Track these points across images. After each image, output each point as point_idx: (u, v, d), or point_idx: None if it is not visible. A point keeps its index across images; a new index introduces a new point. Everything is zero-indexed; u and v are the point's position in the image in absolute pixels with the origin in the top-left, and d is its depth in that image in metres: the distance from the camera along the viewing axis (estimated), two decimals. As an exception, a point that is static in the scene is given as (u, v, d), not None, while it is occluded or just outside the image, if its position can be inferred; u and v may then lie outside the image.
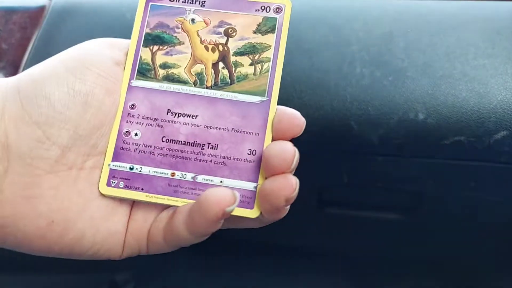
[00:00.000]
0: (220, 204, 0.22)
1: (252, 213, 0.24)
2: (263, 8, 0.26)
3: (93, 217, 0.24)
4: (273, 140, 0.24)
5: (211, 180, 0.24)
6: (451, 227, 0.42)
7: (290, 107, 0.24)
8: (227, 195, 0.22)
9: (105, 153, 0.25)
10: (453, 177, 0.38)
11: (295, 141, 0.23)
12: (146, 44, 0.26)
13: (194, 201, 0.23)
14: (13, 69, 0.42)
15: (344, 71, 0.37)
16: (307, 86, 0.37)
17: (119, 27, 0.42)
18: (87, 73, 0.24)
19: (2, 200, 0.22)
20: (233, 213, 0.23)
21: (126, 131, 0.25)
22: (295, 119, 0.24)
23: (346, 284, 0.50)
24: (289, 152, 0.23)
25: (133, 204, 0.25)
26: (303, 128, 0.24)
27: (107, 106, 0.24)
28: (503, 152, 0.36)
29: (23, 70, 0.41)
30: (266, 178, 0.23)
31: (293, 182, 0.22)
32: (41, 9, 0.45)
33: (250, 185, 0.24)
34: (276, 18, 0.26)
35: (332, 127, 0.36)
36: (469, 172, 0.37)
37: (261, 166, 0.24)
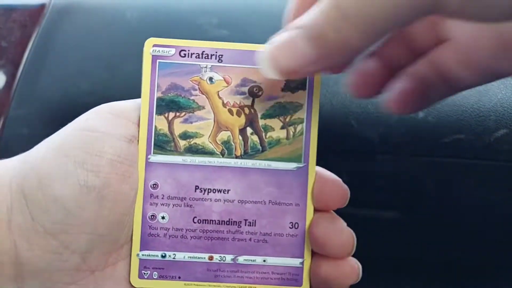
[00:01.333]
0: None
1: None
2: None
3: None
4: (315, 210, 0.22)
5: (254, 260, 0.22)
6: (451, 226, 0.42)
7: None
8: None
9: (131, 243, 0.22)
10: (452, 175, 0.38)
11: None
12: (160, 112, 0.22)
13: (239, 285, 0.22)
14: (13, 67, 0.42)
15: (344, 69, 0.37)
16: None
17: (119, 26, 0.42)
18: (99, 163, 0.20)
19: None
20: None
21: (152, 215, 0.22)
22: (339, 189, 0.22)
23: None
24: (348, 236, 0.21)
25: None
26: (348, 199, 0.22)
27: (125, 194, 0.21)
28: (503, 150, 0.36)
29: (23, 68, 0.41)
30: (314, 253, 0.22)
31: (357, 268, 0.21)
32: (41, 7, 0.45)
33: (295, 262, 0.22)
34: None
35: (331, 125, 0.36)
36: (469, 170, 0.37)
37: (306, 240, 0.22)
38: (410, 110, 0.21)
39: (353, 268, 0.21)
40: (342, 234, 0.21)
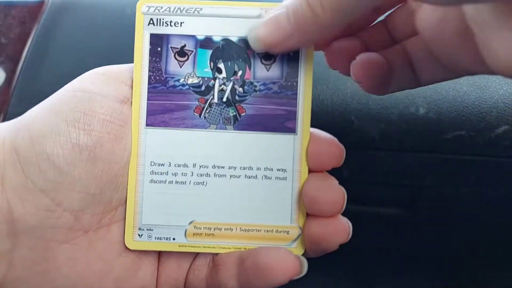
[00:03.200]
0: (285, 274, 0.20)
1: (296, 251, 0.22)
2: None
3: (117, 278, 0.22)
4: (309, 171, 0.22)
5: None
6: (452, 222, 0.42)
7: None
8: (295, 265, 0.20)
9: (125, 205, 0.22)
10: (453, 171, 0.38)
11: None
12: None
13: (234, 246, 0.22)
14: (12, 64, 0.42)
15: (345, 65, 0.37)
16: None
17: (118, 22, 0.42)
18: (91, 122, 0.20)
19: (15, 278, 0.20)
20: None
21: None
22: (333, 149, 0.22)
23: (345, 279, 0.50)
24: (338, 194, 0.21)
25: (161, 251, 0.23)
26: (343, 158, 0.22)
27: (118, 155, 0.21)
28: (504, 146, 0.36)
29: (23, 65, 0.41)
30: (308, 215, 0.22)
31: (347, 226, 0.21)
32: (40, 4, 0.45)
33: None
34: None
35: (332, 121, 0.36)
36: (470, 166, 0.37)
37: (301, 203, 0.22)
38: (372, 86, 0.22)
39: (344, 226, 0.21)
40: (333, 191, 0.21)
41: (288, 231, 0.22)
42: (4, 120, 0.40)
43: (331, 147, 0.22)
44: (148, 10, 0.22)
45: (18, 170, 0.20)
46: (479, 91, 0.36)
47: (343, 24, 0.19)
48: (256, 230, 0.23)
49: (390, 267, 0.48)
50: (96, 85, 0.22)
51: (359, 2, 0.17)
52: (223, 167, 0.23)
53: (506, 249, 0.44)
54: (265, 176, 0.23)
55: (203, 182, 0.23)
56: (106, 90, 0.22)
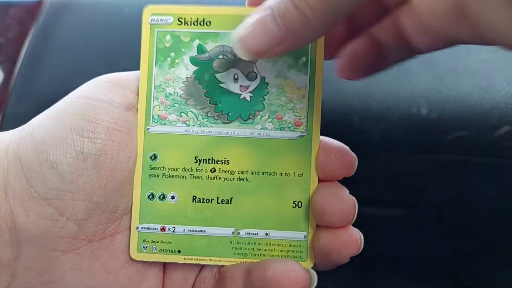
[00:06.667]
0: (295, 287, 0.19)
1: (305, 264, 0.21)
2: None
3: None
4: (319, 181, 0.22)
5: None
6: (453, 223, 0.41)
7: None
8: (303, 278, 0.19)
9: (130, 215, 0.22)
10: (455, 172, 0.37)
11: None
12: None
13: (240, 259, 0.21)
14: (10, 64, 0.42)
15: (346, 65, 0.37)
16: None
17: (117, 22, 0.42)
18: (95, 129, 0.20)
19: None
20: None
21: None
22: (344, 158, 0.21)
23: (346, 279, 0.49)
24: (348, 204, 0.20)
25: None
26: (355, 168, 0.21)
27: (123, 163, 0.21)
28: (506, 147, 0.35)
29: (21, 65, 0.41)
30: (317, 226, 0.21)
31: (357, 238, 0.20)
32: (38, 3, 0.45)
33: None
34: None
35: (333, 122, 0.36)
36: (471, 167, 0.37)
37: (310, 213, 0.21)
38: (359, 74, 0.21)
39: (354, 237, 0.20)
40: (343, 201, 0.20)
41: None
42: (2, 119, 0.39)
43: (342, 157, 0.21)
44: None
45: (21, 178, 0.20)
46: (481, 92, 0.36)
47: (337, 22, 0.18)
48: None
49: (390, 267, 0.48)
50: (101, 92, 0.21)
51: (348, 2, 0.16)
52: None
53: (507, 250, 0.44)
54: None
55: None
56: (111, 97, 0.21)
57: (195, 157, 0.22)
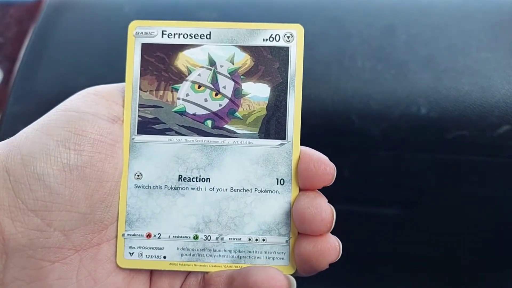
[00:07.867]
0: None
1: (287, 269, 0.22)
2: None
3: None
4: (300, 189, 0.22)
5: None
6: (453, 223, 0.41)
7: None
8: (283, 284, 0.20)
9: (116, 223, 0.22)
10: (455, 171, 0.37)
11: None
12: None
13: (224, 264, 0.22)
14: (10, 63, 0.42)
15: (345, 64, 0.37)
16: (308, 80, 0.36)
17: (116, 21, 0.42)
18: (81, 142, 0.21)
19: None
20: None
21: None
22: (324, 166, 0.22)
23: (344, 278, 0.49)
24: (326, 213, 0.21)
25: (152, 270, 0.23)
26: (334, 176, 0.22)
27: (109, 174, 0.21)
28: (506, 146, 0.35)
29: (20, 64, 0.41)
30: (298, 233, 0.22)
31: (336, 245, 0.21)
32: (38, 3, 0.45)
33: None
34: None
35: (333, 121, 0.36)
36: (471, 166, 0.37)
37: (292, 219, 0.22)
38: None
39: (333, 245, 0.21)
40: (321, 210, 0.21)
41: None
42: (2, 119, 0.39)
43: (322, 166, 0.22)
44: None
45: (9, 189, 0.20)
46: (481, 91, 0.36)
47: None
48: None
49: (390, 267, 0.48)
50: (87, 104, 0.22)
51: None
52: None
53: (507, 249, 0.44)
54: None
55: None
56: (97, 110, 0.22)
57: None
